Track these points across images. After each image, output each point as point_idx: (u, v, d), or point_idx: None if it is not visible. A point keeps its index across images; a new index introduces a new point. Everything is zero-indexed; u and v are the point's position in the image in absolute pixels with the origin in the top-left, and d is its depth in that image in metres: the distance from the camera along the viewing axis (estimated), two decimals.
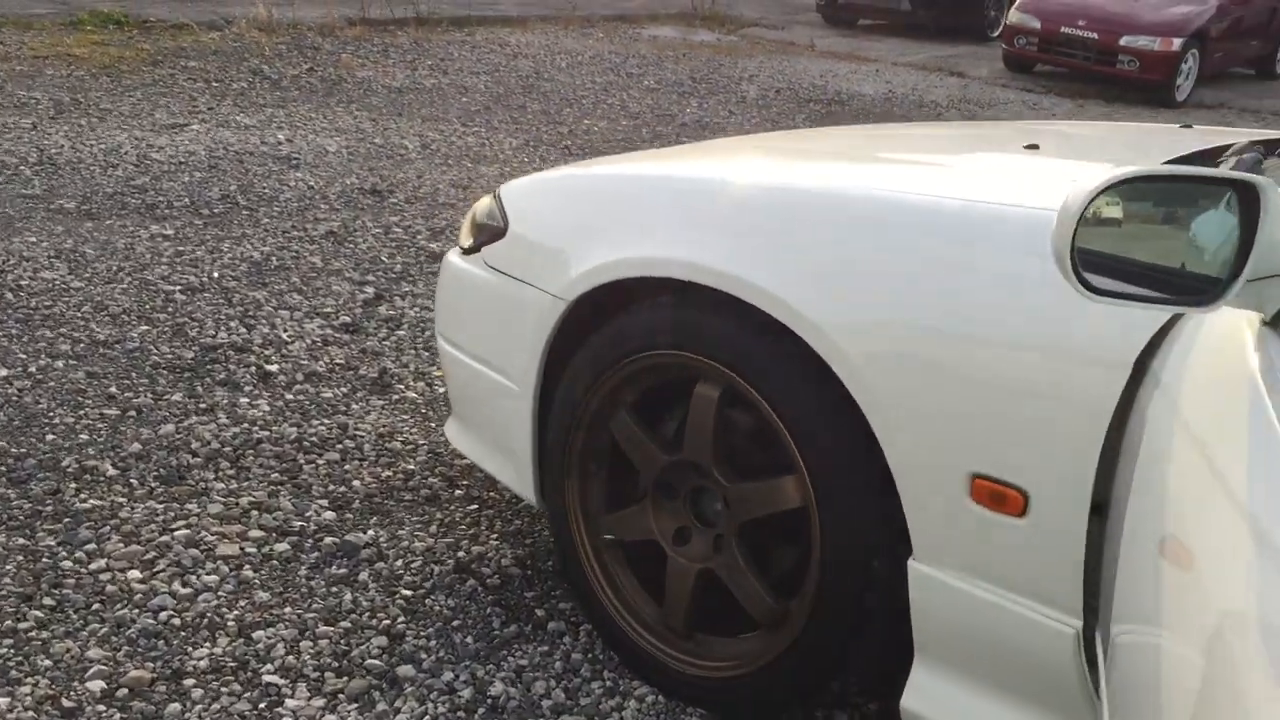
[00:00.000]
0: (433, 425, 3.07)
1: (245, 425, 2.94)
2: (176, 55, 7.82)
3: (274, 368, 3.29)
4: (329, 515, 2.58)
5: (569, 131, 6.98)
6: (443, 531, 2.57)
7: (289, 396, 3.14)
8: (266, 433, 2.92)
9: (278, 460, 2.79)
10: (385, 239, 4.56)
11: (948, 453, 1.65)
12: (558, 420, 2.17)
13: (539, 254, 2.19)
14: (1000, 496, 1.62)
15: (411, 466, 2.83)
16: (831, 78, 10.13)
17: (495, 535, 2.57)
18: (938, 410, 1.65)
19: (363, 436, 2.96)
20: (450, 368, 2.49)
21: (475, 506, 2.68)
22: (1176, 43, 10.64)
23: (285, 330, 3.55)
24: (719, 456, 1.95)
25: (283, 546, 2.45)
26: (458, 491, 2.74)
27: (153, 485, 2.63)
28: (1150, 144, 2.45)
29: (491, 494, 2.72)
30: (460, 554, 2.48)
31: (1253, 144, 2.19)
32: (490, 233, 2.34)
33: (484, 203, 2.46)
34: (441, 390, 3.28)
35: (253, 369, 3.27)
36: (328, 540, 2.48)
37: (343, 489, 2.70)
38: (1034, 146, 2.18)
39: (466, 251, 2.42)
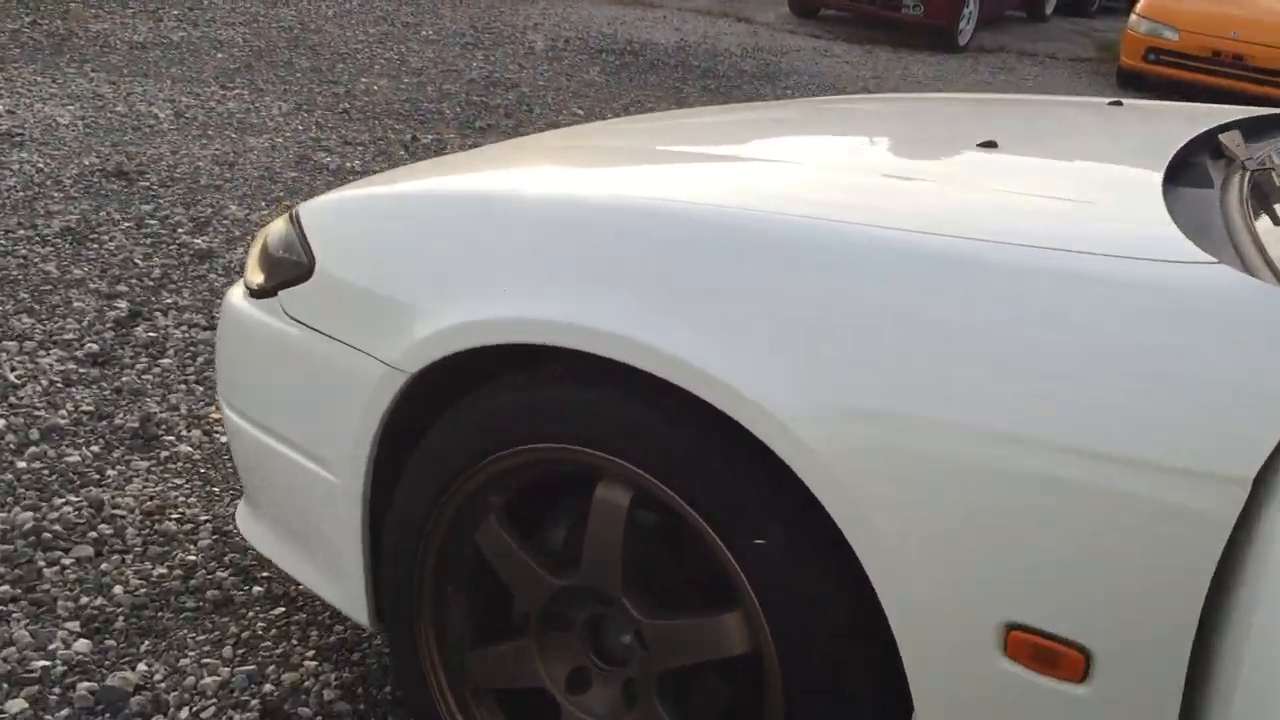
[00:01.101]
0: (215, 490, 2.43)
1: None
2: None
3: None
4: (82, 646, 1.94)
5: (346, 92, 6.23)
6: (241, 654, 1.97)
7: (20, 465, 2.44)
8: None
9: (6, 565, 2.12)
10: (138, 235, 3.81)
11: (970, 592, 1.19)
12: (400, 526, 1.61)
13: (364, 306, 1.61)
14: (1049, 655, 1.18)
15: (192, 557, 2.21)
16: (620, 25, 9.61)
17: (311, 652, 1.99)
18: (955, 532, 1.19)
19: (124, 517, 2.30)
20: (242, 446, 1.89)
21: (281, 610, 2.09)
22: None
23: (13, 369, 2.82)
24: (630, 582, 1.44)
25: (18, 705, 1.80)
26: (256, 589, 2.14)
27: None
28: (1128, 134, 2.06)
29: (300, 589, 2.13)
30: (268, 688, 1.89)
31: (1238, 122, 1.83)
32: (289, 271, 1.74)
33: (277, 228, 1.85)
34: (222, 438, 2.64)
35: None
36: (82, 687, 1.84)
37: (100, 601, 2.05)
38: (990, 144, 1.73)
39: (257, 294, 1.81)
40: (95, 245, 3.67)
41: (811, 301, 1.27)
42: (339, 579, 1.74)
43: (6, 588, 2.05)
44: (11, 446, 2.50)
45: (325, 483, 1.69)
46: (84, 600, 2.04)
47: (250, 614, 2.07)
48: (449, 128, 5.79)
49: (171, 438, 2.61)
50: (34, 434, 2.55)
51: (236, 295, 1.88)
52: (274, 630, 2.03)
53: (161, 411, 2.71)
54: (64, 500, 2.32)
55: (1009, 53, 11.14)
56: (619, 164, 1.88)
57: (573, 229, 1.46)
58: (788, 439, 1.24)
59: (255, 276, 1.84)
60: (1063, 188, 1.56)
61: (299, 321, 1.71)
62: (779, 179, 1.66)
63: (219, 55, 6.69)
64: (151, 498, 2.38)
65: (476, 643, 1.62)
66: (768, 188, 1.58)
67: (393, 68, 7.00)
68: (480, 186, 1.71)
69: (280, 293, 1.75)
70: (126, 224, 3.89)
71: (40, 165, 4.35)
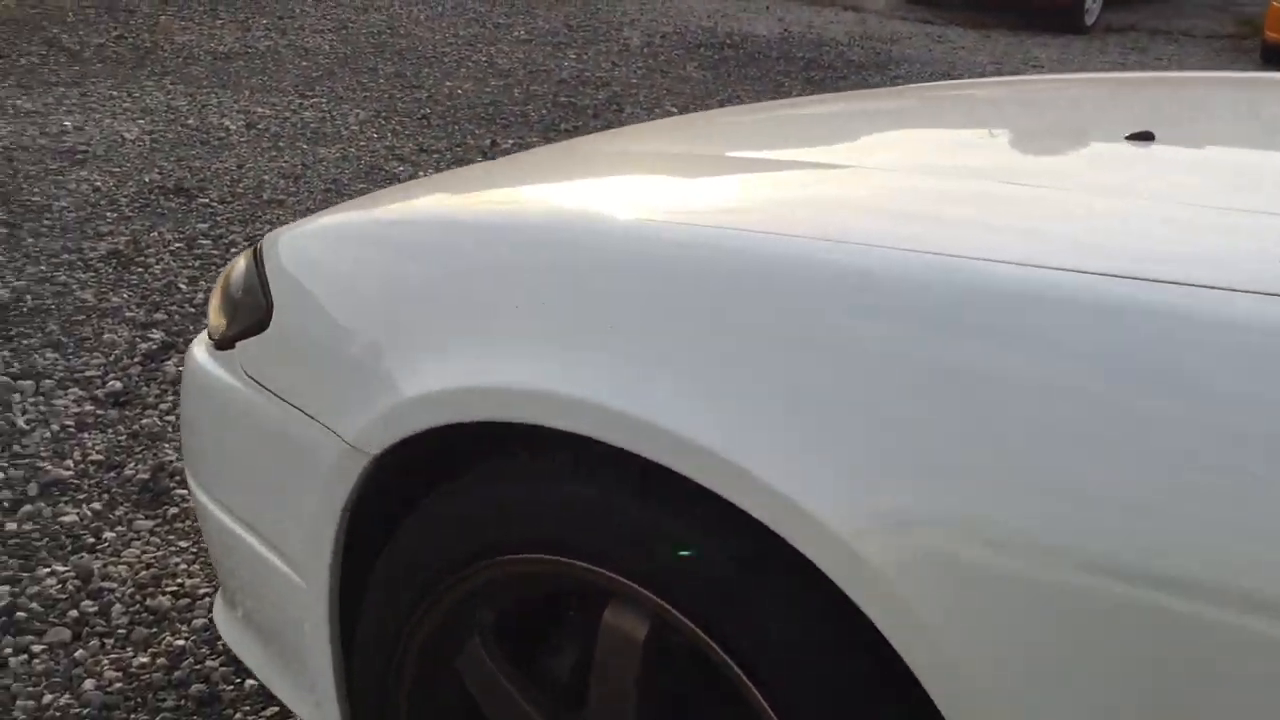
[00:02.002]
0: None
1: None
2: None
3: None
4: None
5: (428, 97, 5.97)
6: None
7: (10, 527, 2.16)
8: None
9: None
10: (187, 257, 3.56)
11: None
12: (371, 641, 1.27)
13: (321, 365, 1.27)
14: None
15: (181, 641, 1.90)
16: (720, 18, 9.22)
17: None
18: (1039, 667, 0.79)
19: (113, 590, 2.00)
20: (206, 527, 1.56)
21: (274, 710, 1.76)
22: None
23: (23, 413, 2.56)
24: None
25: None
26: (249, 683, 1.82)
27: None
28: None
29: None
30: None
31: None
32: (247, 319, 1.41)
33: (239, 265, 1.52)
34: None
35: None
36: None
37: (65, 700, 1.75)
38: (1145, 135, 1.30)
39: (219, 344, 1.48)
40: (140, 269, 3.42)
41: (890, 377, 0.88)
42: (313, 696, 1.40)
43: None
44: (4, 505, 2.23)
45: (289, 582, 1.35)
46: (47, 699, 1.75)
47: (238, 715, 1.74)
48: (532, 131, 5.48)
49: (182, 491, 2.32)
50: (32, 489, 2.28)
51: (198, 347, 1.56)
52: None
53: (176, 460, 2.42)
54: (49, 570, 2.04)
55: (1140, 31, 10.43)
56: (665, 177, 1.49)
57: (579, 268, 1.09)
58: (847, 561, 0.86)
59: (217, 322, 1.51)
60: (1254, 196, 1.13)
61: (255, 380, 1.37)
62: (854, 191, 1.26)
63: (302, 63, 6.49)
64: (149, 565, 2.08)
65: None
66: (841, 207, 1.19)
67: (480, 70, 6.72)
68: (470, 210, 1.35)
69: (238, 345, 1.42)
70: (177, 245, 3.64)
71: (98, 184, 4.15)
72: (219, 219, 3.91)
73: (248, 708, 1.76)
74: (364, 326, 1.23)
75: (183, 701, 1.77)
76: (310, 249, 1.38)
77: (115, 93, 5.51)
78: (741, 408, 0.92)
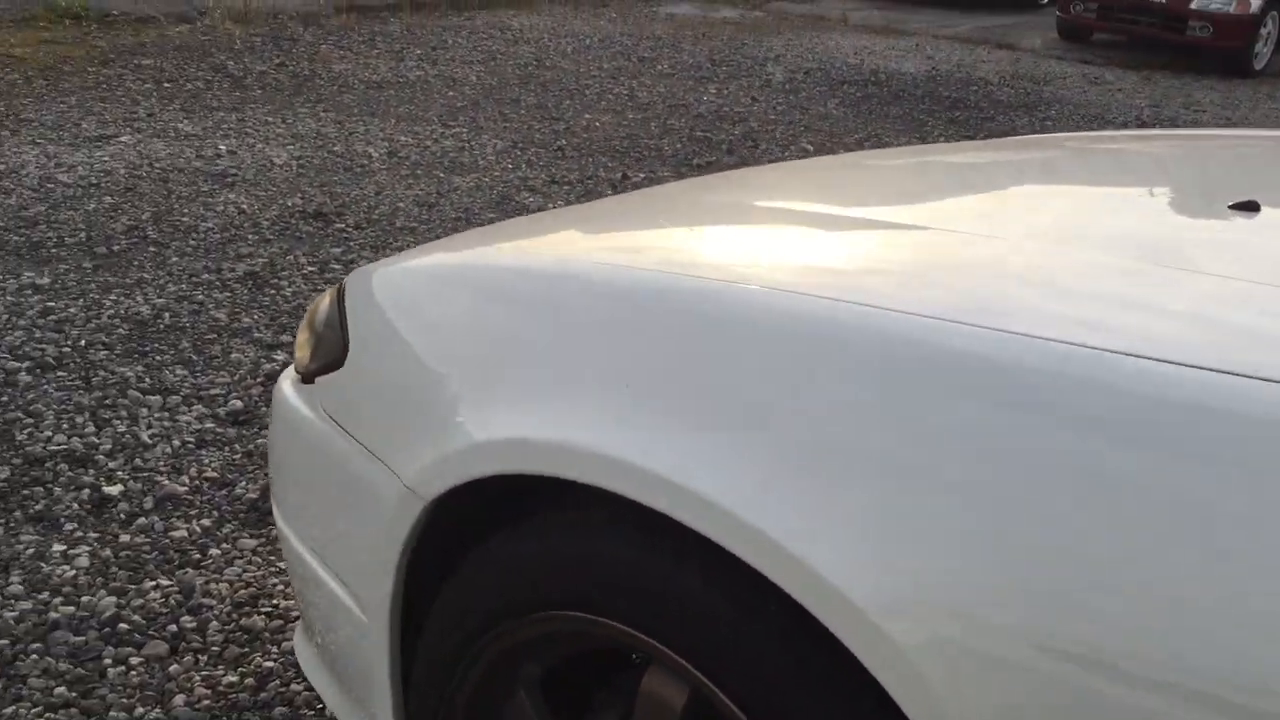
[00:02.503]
0: None
1: (44, 596, 2.06)
2: (133, 53, 6.95)
3: (115, 489, 2.40)
4: None
5: (566, 129, 6.05)
6: None
7: (124, 538, 2.25)
8: (71, 608, 2.03)
9: (72, 660, 1.91)
10: (318, 280, 3.67)
11: None
12: (424, 682, 1.27)
13: (388, 406, 1.29)
14: None
15: (270, 663, 1.94)
16: (867, 55, 9.13)
17: None
18: None
19: (211, 607, 2.07)
20: (286, 555, 1.60)
21: None
22: (1255, 4, 9.54)
23: (148, 427, 2.67)
24: None
25: None
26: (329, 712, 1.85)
27: None
28: None
29: None
30: None
31: None
32: (326, 355, 1.44)
33: (325, 301, 1.55)
34: None
35: (85, 492, 2.39)
36: None
37: (156, 715, 1.81)
38: (1250, 206, 1.24)
39: (303, 379, 1.52)
40: (272, 291, 3.54)
41: (943, 456, 0.85)
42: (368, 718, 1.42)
43: (63, 690, 1.83)
44: (121, 516, 2.32)
45: (354, 618, 1.37)
46: (139, 711, 1.81)
47: None
48: (665, 165, 5.50)
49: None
50: (148, 503, 2.37)
51: (287, 381, 1.59)
52: None
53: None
54: (154, 584, 2.11)
55: None
56: (753, 235, 1.46)
57: (649, 328, 1.07)
58: (883, 650, 0.83)
59: (301, 355, 1.55)
60: None
61: (331, 418, 1.40)
62: (912, 255, 1.22)
63: (449, 93, 6.66)
64: (248, 584, 2.14)
65: None
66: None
67: (619, 103, 6.79)
68: (548, 259, 1.34)
69: (318, 380, 1.45)
70: (310, 268, 3.76)
71: (244, 206, 4.32)
72: (352, 244, 4.03)
73: None
74: (430, 372, 1.24)
75: None
76: (384, 290, 1.40)
77: (270, 119, 5.73)
78: (809, 490, 0.89)
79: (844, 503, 0.87)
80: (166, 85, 6.25)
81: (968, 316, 0.92)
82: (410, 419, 1.23)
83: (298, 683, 1.89)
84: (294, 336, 3.22)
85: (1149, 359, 0.82)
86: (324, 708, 1.84)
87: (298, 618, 2.05)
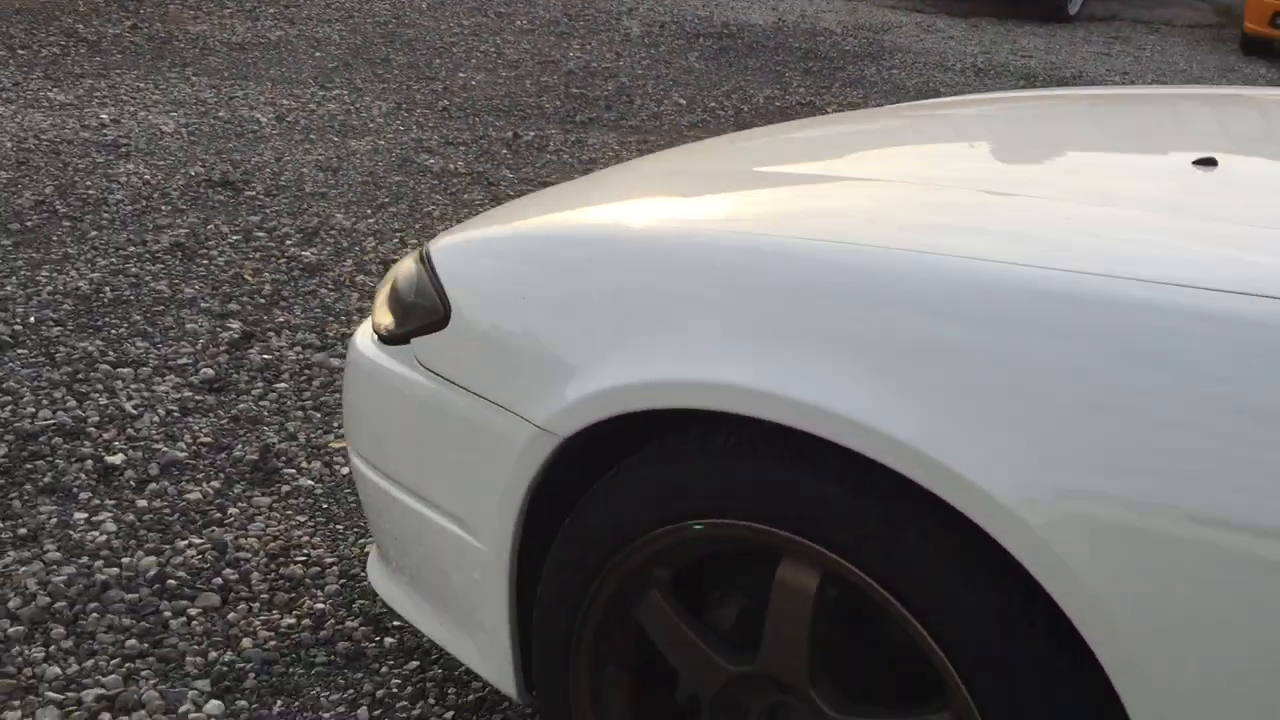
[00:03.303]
0: (339, 529, 2.33)
1: (84, 560, 2.17)
2: None
3: (118, 458, 2.50)
4: (213, 707, 1.84)
5: (444, 89, 6.14)
6: (378, 716, 1.85)
7: (141, 504, 2.36)
8: (115, 569, 2.15)
9: (133, 615, 2.03)
10: (246, 249, 3.74)
11: (1217, 684, 1.03)
12: (552, 599, 1.48)
13: (509, 359, 1.48)
14: None
15: (321, 604, 2.10)
16: (715, 6, 9.40)
17: (450, 714, 1.87)
18: (1197, 617, 1.02)
19: (247, 560, 2.21)
20: (372, 497, 1.77)
21: (415, 664, 1.97)
22: None
23: (129, 398, 2.75)
24: (818, 674, 1.28)
25: None
26: (388, 640, 2.03)
27: None
28: None
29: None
30: None
31: None
32: (422, 318, 1.61)
33: (406, 269, 1.72)
34: (343, 470, 2.54)
35: (89, 463, 2.48)
36: None
37: (229, 656, 1.96)
38: (1207, 161, 1.53)
39: (387, 339, 1.69)
40: (205, 261, 3.61)
41: (1036, 367, 1.11)
42: (483, 647, 1.62)
43: (134, 641, 1.96)
44: (131, 483, 2.42)
45: (468, 547, 1.56)
46: (213, 655, 1.95)
47: (384, 669, 1.96)
48: (550, 123, 5.67)
49: (291, 470, 2.52)
50: (153, 469, 2.47)
51: (364, 339, 1.76)
52: (410, 688, 1.91)
53: (280, 441, 2.62)
54: (186, 542, 2.24)
55: (1122, 21, 10.70)
56: (807, 197, 1.68)
57: (768, 277, 1.29)
58: (1011, 523, 1.08)
59: (384, 320, 1.71)
60: None
61: (434, 373, 1.58)
62: (988, 210, 1.48)
63: (316, 54, 6.64)
64: (275, 538, 2.28)
65: None
66: (968, 224, 1.40)
67: (489, 61, 6.90)
68: (640, 225, 1.55)
69: (413, 340, 1.62)
70: (235, 237, 3.82)
71: (147, 177, 4.32)
72: (268, 211, 4.09)
73: (391, 662, 1.97)
74: (553, 328, 1.44)
75: (332, 658, 1.97)
76: (487, 257, 1.59)
77: (142, 84, 5.66)
78: (923, 402, 1.13)
79: (980, 407, 1.11)
80: (21, 52, 6.07)
81: (1061, 263, 1.18)
82: (535, 371, 1.43)
83: (351, 620, 2.07)
84: (240, 305, 3.31)
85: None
86: (382, 639, 2.02)
87: (339, 561, 2.21)
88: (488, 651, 1.61)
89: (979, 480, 1.09)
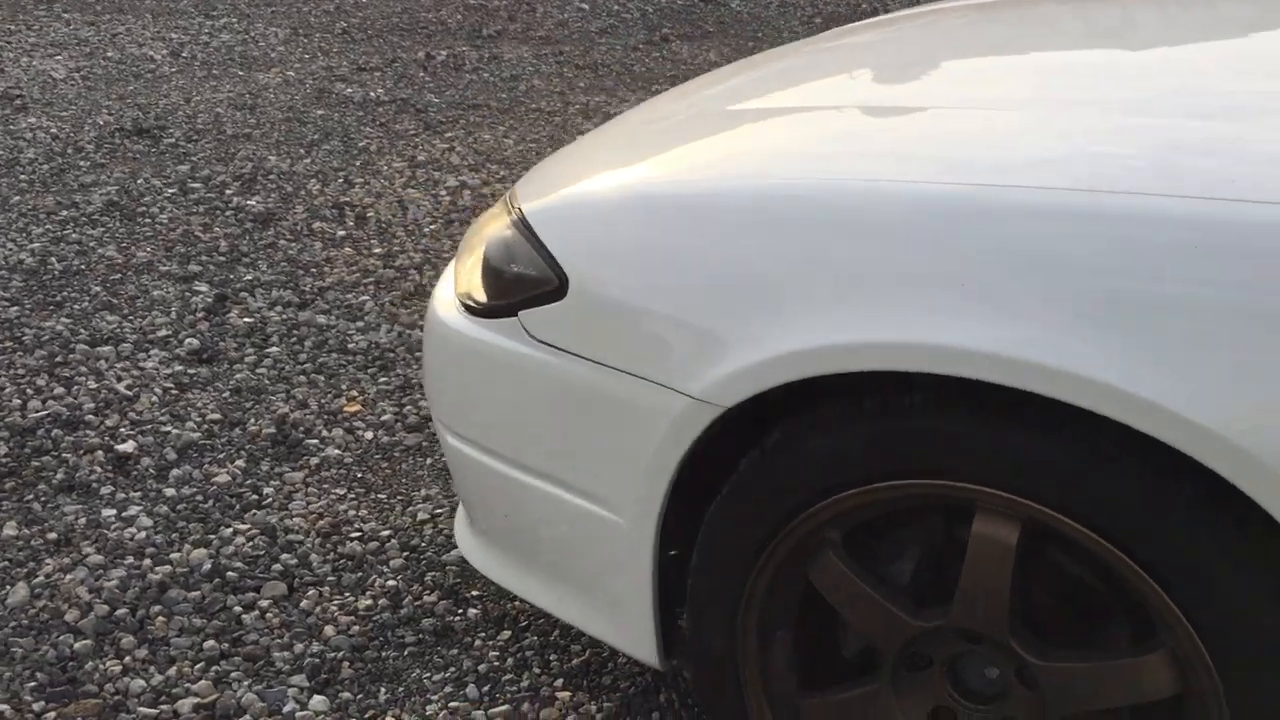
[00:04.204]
0: (381, 498, 2.26)
1: (130, 560, 2.06)
2: None
3: (129, 446, 2.37)
4: (318, 703, 1.79)
5: (337, 8, 5.87)
6: (488, 693, 1.82)
7: (170, 493, 2.25)
8: (166, 567, 2.05)
9: (202, 615, 1.95)
10: (186, 203, 3.54)
11: None
12: (713, 567, 1.46)
13: (649, 331, 1.43)
14: None
15: (392, 581, 2.05)
16: None
17: (559, 681, 1.84)
18: None
19: (302, 542, 2.13)
20: (471, 474, 1.72)
21: (508, 634, 1.94)
22: None
23: (119, 379, 2.60)
24: (1017, 624, 1.30)
25: None
26: (471, 611, 1.99)
27: (35, 711, 1.76)
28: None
29: (515, 604, 1.98)
30: None
31: None
32: (529, 289, 1.55)
33: (498, 236, 1.64)
34: (367, 434, 2.46)
35: (99, 454, 2.35)
36: None
37: (317, 648, 1.90)
38: None
39: (480, 311, 1.62)
40: (147, 220, 3.41)
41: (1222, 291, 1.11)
42: (615, 616, 1.59)
43: (212, 643, 1.88)
44: (152, 472, 2.31)
45: (600, 520, 1.53)
46: (299, 647, 1.89)
47: (477, 642, 1.92)
48: (458, 40, 5.47)
49: (314, 441, 2.43)
50: (170, 454, 2.36)
51: (448, 311, 1.69)
52: (510, 659, 1.88)
53: (293, 411, 2.52)
54: (231, 530, 2.15)
55: None
56: (973, 140, 1.50)
57: (948, 229, 1.26)
58: (1228, 453, 1.10)
59: (477, 294, 1.64)
60: None
61: (552, 346, 1.52)
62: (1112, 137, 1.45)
63: None
64: (320, 515, 2.21)
65: (805, 688, 1.48)
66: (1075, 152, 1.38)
67: None
68: (789, 180, 1.46)
69: (521, 313, 1.56)
70: (170, 190, 3.62)
71: (54, 130, 4.05)
72: (196, 159, 3.87)
73: (482, 634, 1.94)
74: (704, 295, 1.39)
75: (421, 636, 1.93)
76: (602, 224, 1.52)
77: (11, 25, 5.28)
78: (1125, 343, 1.13)
79: (1174, 342, 1.11)
80: None
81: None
82: (688, 340, 1.38)
83: (429, 594, 2.02)
84: (200, 266, 3.15)
85: None
86: (465, 610, 1.98)
87: (394, 534, 2.15)
88: (623, 621, 1.58)
89: (1187, 412, 1.10)
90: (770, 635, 1.47)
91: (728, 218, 1.42)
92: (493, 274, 1.62)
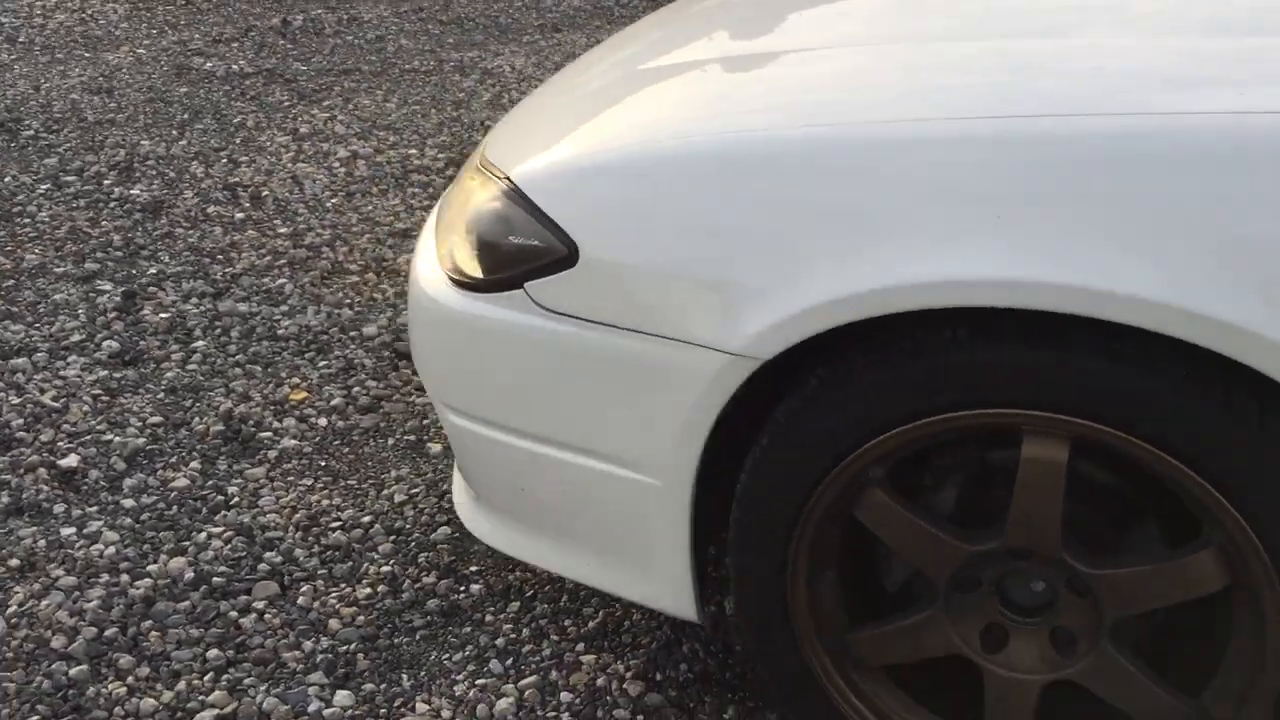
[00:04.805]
0: (352, 484, 2.21)
1: (105, 578, 1.97)
2: None
3: (72, 460, 2.26)
4: (343, 698, 1.75)
5: None
6: (512, 666, 1.81)
7: (128, 503, 2.15)
8: (146, 580, 1.97)
9: (197, 625, 1.88)
10: (64, 198, 3.35)
11: None
12: (758, 518, 1.48)
13: (675, 291, 1.42)
14: None
15: (387, 567, 2.01)
16: None
17: (580, 645, 1.85)
18: None
19: (282, 539, 2.07)
20: (483, 452, 1.69)
21: (516, 605, 1.93)
22: None
23: (42, 390, 2.47)
24: (1069, 538, 1.35)
25: None
26: (474, 587, 1.97)
27: None
28: None
29: (517, 574, 1.98)
30: (566, 697, 1.75)
31: None
32: (535, 259, 1.52)
33: (487, 208, 1.60)
34: (321, 423, 2.39)
35: (42, 472, 2.23)
36: None
37: (326, 643, 1.85)
38: None
39: (476, 286, 1.59)
40: (26, 220, 3.22)
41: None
42: (648, 574, 1.60)
43: (216, 651, 1.83)
44: (103, 484, 2.20)
45: (630, 483, 1.53)
46: (307, 645, 1.84)
47: (488, 617, 1.91)
48: (311, 3, 5.28)
49: (267, 434, 2.35)
50: (117, 464, 2.25)
51: (439, 288, 1.65)
52: (525, 630, 1.88)
53: (236, 405, 2.43)
54: (204, 534, 2.07)
55: None
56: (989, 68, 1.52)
57: (997, 160, 1.27)
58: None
59: (469, 269, 1.61)
60: None
61: (565, 314, 1.51)
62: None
63: None
64: (294, 509, 2.15)
65: (855, 623, 1.52)
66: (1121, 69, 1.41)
67: None
68: (804, 130, 1.43)
69: (527, 285, 1.54)
70: (44, 186, 3.42)
71: None
72: (63, 151, 3.66)
73: (491, 609, 1.92)
74: (731, 250, 1.38)
75: (430, 619, 1.90)
76: (608, 188, 1.49)
77: None
78: (1179, 262, 1.18)
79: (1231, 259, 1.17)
80: None
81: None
82: (719, 296, 1.38)
83: (428, 575, 1.99)
84: (98, 265, 2.99)
85: None
86: (467, 586, 1.96)
87: (375, 518, 2.11)
88: (658, 579, 1.59)
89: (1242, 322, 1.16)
90: (818, 576, 1.50)
91: (747, 173, 1.42)
92: (486, 248, 1.59)
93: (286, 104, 4.05)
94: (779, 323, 1.35)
